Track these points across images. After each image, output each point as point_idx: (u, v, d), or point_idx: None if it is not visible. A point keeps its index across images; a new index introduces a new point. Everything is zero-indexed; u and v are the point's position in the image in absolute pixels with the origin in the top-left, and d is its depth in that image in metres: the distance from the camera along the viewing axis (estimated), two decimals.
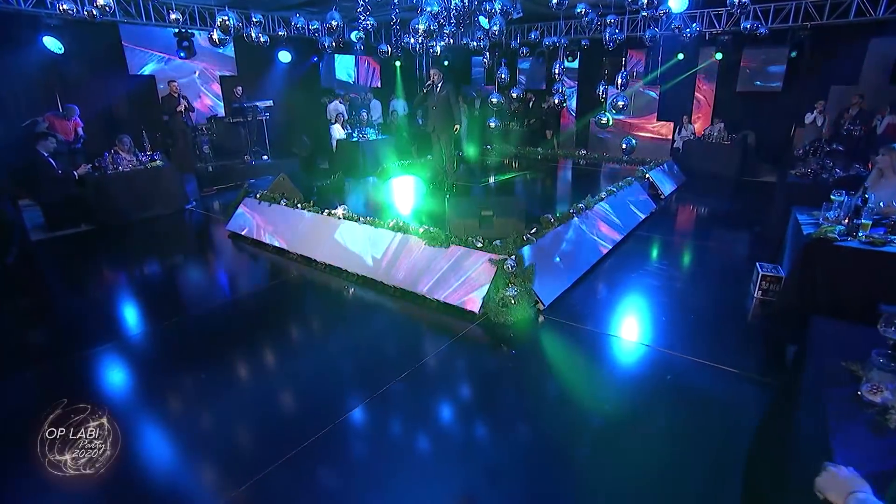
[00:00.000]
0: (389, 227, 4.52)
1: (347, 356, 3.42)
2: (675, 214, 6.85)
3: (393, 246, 4.42)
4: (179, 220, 6.83)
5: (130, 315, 4.22)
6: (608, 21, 6.10)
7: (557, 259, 4.33)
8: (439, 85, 6.45)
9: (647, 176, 7.40)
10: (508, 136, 11.18)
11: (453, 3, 5.82)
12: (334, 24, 6.28)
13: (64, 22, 7.42)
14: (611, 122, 8.98)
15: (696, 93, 10.64)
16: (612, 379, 3.10)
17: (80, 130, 7.36)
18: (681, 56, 10.00)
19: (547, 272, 4.10)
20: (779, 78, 9.57)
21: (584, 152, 9.78)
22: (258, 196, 5.94)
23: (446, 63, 13.99)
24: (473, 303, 3.78)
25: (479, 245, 4.00)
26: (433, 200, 6.66)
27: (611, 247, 5.18)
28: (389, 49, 8.48)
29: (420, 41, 5.82)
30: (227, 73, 10.49)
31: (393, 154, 10.03)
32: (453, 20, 6.15)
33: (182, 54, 9.03)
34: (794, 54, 8.87)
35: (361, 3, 5.66)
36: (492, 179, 8.66)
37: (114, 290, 4.76)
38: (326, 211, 5.18)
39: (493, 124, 8.89)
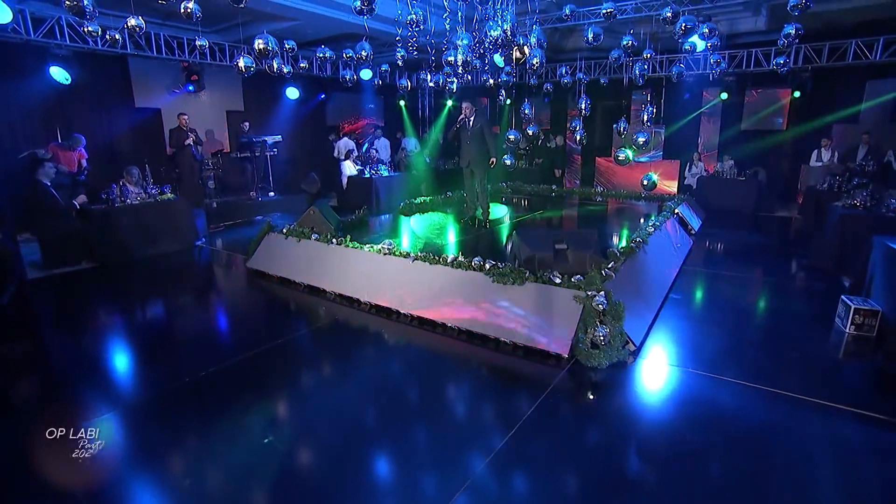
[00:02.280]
0: (448, 264, 4.14)
1: (418, 423, 2.75)
2: (715, 249, 6.69)
3: (454, 284, 4.03)
4: (191, 258, 6.29)
5: (139, 374, 3.47)
6: (645, 56, 6.12)
7: (636, 295, 4.01)
8: (472, 119, 6.28)
9: (677, 211, 7.29)
10: (517, 174, 11.11)
11: (493, 33, 5.73)
12: (364, 54, 6.13)
13: (73, 52, 7.10)
14: (631, 159, 9.00)
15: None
16: (753, 434, 2.67)
17: (85, 162, 6.87)
18: (686, 96, 10.30)
19: (626, 309, 3.76)
20: (782, 117, 9.88)
21: (601, 189, 9.73)
22: (285, 231, 5.51)
23: (450, 103, 14.17)
24: (560, 345, 3.38)
25: (558, 281, 3.66)
26: (473, 235, 6.31)
27: (671, 282, 4.92)
28: (409, 84, 8.41)
29: (459, 72, 5.66)
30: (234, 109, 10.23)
31: (407, 191, 9.79)
32: (490, 52, 6.08)
33: (191, 88, 8.74)
34: (797, 94, 9.19)
35: (401, 30, 5.51)
36: (507, 219, 8.44)
37: (121, 342, 4.02)
38: (368, 246, 4.78)
39: (508, 161, 8.77)
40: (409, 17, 5.13)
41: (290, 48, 5.71)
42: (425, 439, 2.65)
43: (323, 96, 11.53)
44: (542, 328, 3.51)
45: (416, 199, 8.15)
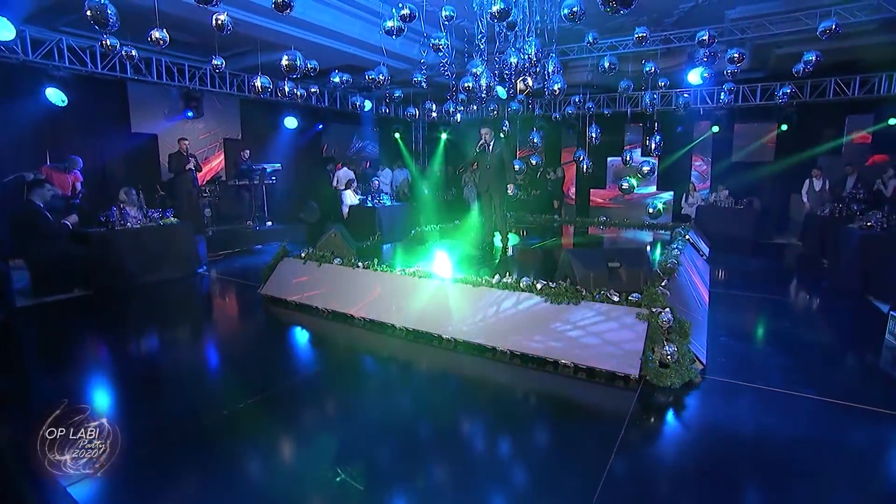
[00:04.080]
0: (494, 285, 3.94)
1: (486, 474, 2.30)
2: (732, 272, 6.67)
3: (502, 306, 3.81)
4: (195, 285, 5.87)
5: (151, 416, 2.79)
6: (660, 84, 6.29)
7: (686, 313, 3.87)
8: (491, 144, 6.23)
9: (688, 237, 7.33)
10: (518, 205, 11.13)
11: (512, 60, 5.77)
12: (381, 78, 6.08)
13: (71, 75, 6.84)
14: (635, 188, 9.12)
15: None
16: (864, 449, 2.51)
17: (80, 185, 6.46)
18: (679, 129, 10.68)
19: None
20: (770, 149, 10.32)
21: (605, 219, 9.78)
22: (303, 255, 5.21)
23: (444, 136, 14.34)
24: (629, 366, 3.18)
25: (616, 299, 3.49)
26: (493, 262, 6.11)
27: (707, 302, 4.83)
28: (417, 112, 8.43)
29: (484, 95, 5.65)
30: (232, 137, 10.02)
31: (411, 220, 9.63)
32: (509, 79, 6.12)
33: (190, 114, 8.53)
34: (784, 127, 9.64)
35: (426, 53, 5.49)
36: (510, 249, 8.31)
37: (127, 380, 3.41)
38: (399, 270, 4.53)
39: (511, 191, 8.76)
40: (438, 41, 5.13)
41: (311, 67, 5.60)
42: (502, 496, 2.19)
43: (321, 126, 11.45)
44: (605, 348, 3.31)
45: (426, 227, 7.97)
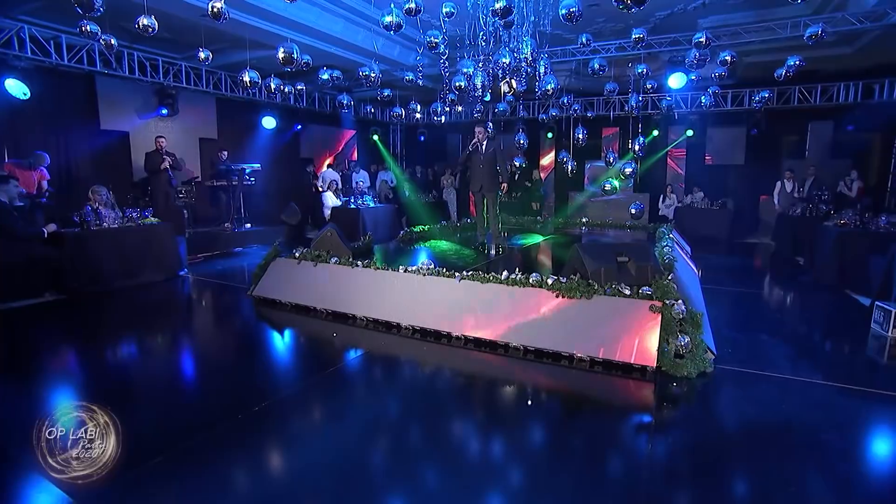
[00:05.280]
0: (503, 281, 3.89)
1: (521, 465, 2.24)
2: (718, 270, 6.86)
3: (512, 301, 3.77)
4: (179, 288, 5.55)
5: (133, 434, 2.34)
6: (648, 87, 6.46)
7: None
8: (485, 143, 6.21)
9: (671, 236, 7.54)
10: (501, 206, 11.16)
11: (505, 60, 5.78)
12: (373, 75, 5.97)
13: (34, 66, 6.38)
14: (618, 189, 9.30)
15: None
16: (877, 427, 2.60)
17: (46, 183, 6.01)
18: (655, 133, 11.02)
19: None
20: (741, 153, 10.79)
21: (586, 220, 9.96)
22: (297, 255, 5.02)
23: (422, 139, 14.29)
24: (645, 357, 3.19)
25: (628, 293, 3.51)
26: (485, 262, 6.08)
27: (702, 296, 4.95)
28: (403, 112, 8.34)
29: (478, 94, 5.63)
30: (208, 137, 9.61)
31: (395, 222, 9.50)
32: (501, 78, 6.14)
33: (165, 111, 8.13)
34: (754, 131, 10.10)
35: (421, 50, 5.43)
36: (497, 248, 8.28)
37: (120, 395, 3.04)
38: (401, 268, 4.43)
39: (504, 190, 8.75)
40: (434, 39, 5.08)
41: (305, 61, 5.43)
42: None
43: (299, 127, 11.17)
44: (621, 341, 3.32)
45: (413, 228, 7.87)
